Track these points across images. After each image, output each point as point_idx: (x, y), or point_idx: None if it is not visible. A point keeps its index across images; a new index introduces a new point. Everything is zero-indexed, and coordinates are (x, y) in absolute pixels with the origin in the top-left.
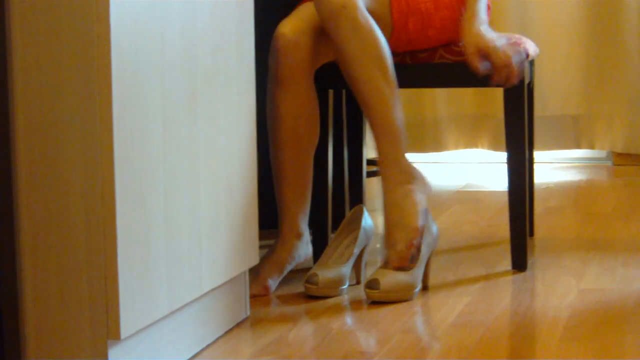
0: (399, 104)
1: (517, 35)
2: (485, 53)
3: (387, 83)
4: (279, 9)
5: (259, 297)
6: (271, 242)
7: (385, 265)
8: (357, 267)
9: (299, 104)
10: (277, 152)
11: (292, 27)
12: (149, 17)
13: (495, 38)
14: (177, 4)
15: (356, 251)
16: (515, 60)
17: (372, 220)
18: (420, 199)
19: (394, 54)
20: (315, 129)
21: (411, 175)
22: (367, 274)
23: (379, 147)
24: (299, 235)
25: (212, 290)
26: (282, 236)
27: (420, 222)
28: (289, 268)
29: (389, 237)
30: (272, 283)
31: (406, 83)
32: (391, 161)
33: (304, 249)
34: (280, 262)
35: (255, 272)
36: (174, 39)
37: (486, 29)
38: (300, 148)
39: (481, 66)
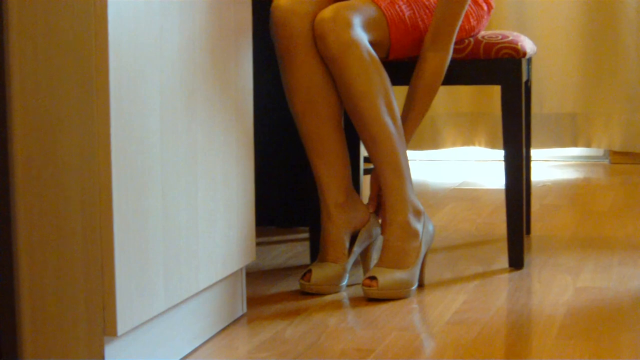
0: (404, 140)
1: (515, 33)
2: None
3: (393, 119)
4: None
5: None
6: (267, 239)
7: (381, 263)
8: (364, 263)
9: (308, 74)
10: (299, 125)
11: None
12: (147, 14)
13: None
14: (175, 1)
15: (356, 249)
16: None
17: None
18: (421, 245)
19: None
20: (332, 97)
21: (417, 212)
22: None
23: (384, 181)
24: (341, 206)
25: (209, 287)
26: (325, 211)
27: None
28: (351, 238)
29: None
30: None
31: (404, 81)
32: (397, 193)
33: (353, 213)
34: (338, 240)
35: (321, 259)
36: (172, 36)
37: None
38: (319, 118)
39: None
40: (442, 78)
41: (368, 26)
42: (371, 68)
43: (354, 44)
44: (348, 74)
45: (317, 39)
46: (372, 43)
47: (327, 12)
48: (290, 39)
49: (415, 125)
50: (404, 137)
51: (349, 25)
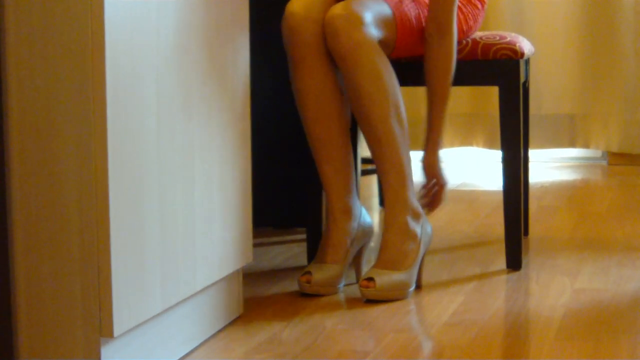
0: (408, 143)
1: (513, 34)
2: (434, 177)
3: (400, 121)
4: (274, 6)
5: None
6: (264, 240)
7: (379, 264)
8: (357, 265)
9: (320, 81)
10: (309, 131)
11: (301, 3)
12: (144, 14)
13: (442, 168)
14: (172, 1)
15: (353, 250)
16: (446, 189)
17: (370, 218)
18: (419, 247)
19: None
20: (341, 104)
21: (416, 214)
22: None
23: (386, 183)
24: (346, 212)
25: (206, 288)
26: (331, 215)
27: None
28: (351, 244)
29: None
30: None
31: (402, 81)
32: (397, 195)
33: (357, 224)
34: (339, 243)
35: (320, 260)
36: (169, 36)
37: (439, 157)
38: (330, 124)
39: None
40: (455, 58)
41: (379, 24)
42: (381, 69)
43: (366, 43)
44: (358, 74)
45: (327, 37)
46: (380, 41)
47: (339, 8)
48: (304, 45)
49: (442, 114)
50: (408, 139)
51: (361, 22)
